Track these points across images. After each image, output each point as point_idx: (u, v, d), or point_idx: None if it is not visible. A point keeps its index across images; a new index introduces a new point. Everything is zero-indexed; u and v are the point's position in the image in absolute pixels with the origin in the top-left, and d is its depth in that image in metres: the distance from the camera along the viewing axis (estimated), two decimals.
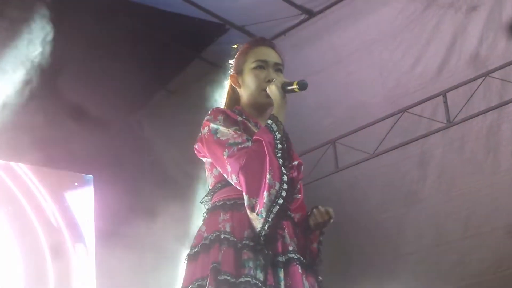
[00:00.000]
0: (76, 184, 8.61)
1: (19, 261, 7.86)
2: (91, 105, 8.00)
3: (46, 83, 7.66)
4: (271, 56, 3.29)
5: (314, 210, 3.16)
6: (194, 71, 8.64)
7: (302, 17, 8.36)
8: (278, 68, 3.28)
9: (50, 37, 7.38)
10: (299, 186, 3.28)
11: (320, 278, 3.15)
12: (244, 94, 3.27)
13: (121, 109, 8.79)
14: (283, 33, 8.51)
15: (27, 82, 7.59)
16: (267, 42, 3.37)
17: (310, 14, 8.30)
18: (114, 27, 7.76)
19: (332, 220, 3.15)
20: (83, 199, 8.56)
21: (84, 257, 8.32)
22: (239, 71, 3.29)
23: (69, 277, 8.16)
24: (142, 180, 8.72)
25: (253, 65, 3.24)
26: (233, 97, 3.34)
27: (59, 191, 8.40)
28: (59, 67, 7.75)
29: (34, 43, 7.42)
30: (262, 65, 3.24)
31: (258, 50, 3.30)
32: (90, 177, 8.68)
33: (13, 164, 8.11)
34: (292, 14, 8.30)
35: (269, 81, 3.18)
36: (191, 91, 8.59)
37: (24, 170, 8.18)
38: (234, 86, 3.31)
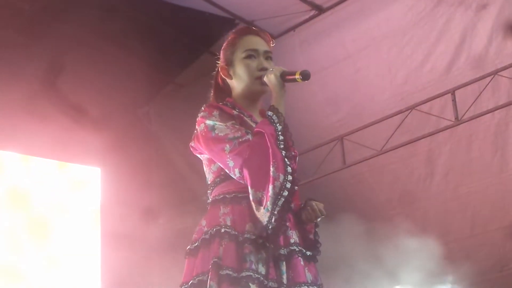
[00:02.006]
0: (83, 176, 8.62)
1: (23, 258, 7.87)
2: (100, 98, 8.02)
3: (56, 76, 7.68)
4: (260, 44, 3.22)
5: (308, 207, 3.11)
6: (203, 65, 8.63)
7: (312, 13, 8.35)
8: (268, 56, 3.21)
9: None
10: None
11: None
12: (237, 85, 3.21)
13: (129, 102, 8.81)
14: (293, 28, 8.51)
15: (36, 76, 7.62)
16: (254, 30, 3.30)
17: (320, 10, 8.29)
18: (123, 20, 7.76)
19: (323, 216, 3.10)
20: (90, 191, 8.57)
21: (89, 250, 8.33)
22: (229, 63, 3.23)
23: (74, 273, 8.16)
24: (150, 172, 8.73)
25: (244, 54, 3.18)
26: (224, 89, 3.29)
27: (65, 182, 8.41)
28: (68, 60, 7.77)
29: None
30: (252, 54, 3.18)
31: (247, 39, 3.23)
32: (97, 169, 8.70)
33: (20, 155, 8.13)
34: (301, 10, 8.29)
35: (262, 70, 3.13)
36: (200, 85, 8.51)
37: (32, 161, 8.20)
38: (225, 78, 3.25)
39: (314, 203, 3.11)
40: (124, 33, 7.75)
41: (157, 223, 8.36)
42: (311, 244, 3.10)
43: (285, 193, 2.86)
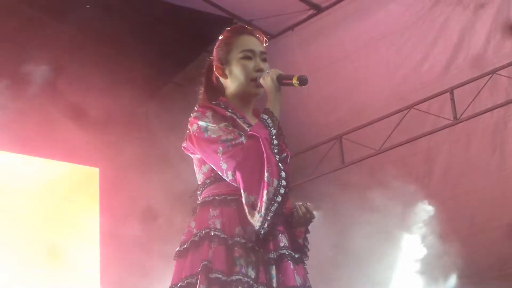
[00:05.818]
0: (81, 176, 8.61)
1: (22, 258, 7.84)
2: (98, 98, 8.00)
3: (54, 75, 7.67)
4: (256, 45, 3.20)
5: (294, 211, 3.09)
6: (201, 64, 8.58)
7: (310, 12, 8.36)
8: (264, 57, 3.19)
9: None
10: None
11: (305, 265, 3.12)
12: (232, 84, 3.20)
13: (128, 102, 8.78)
14: (291, 28, 8.52)
15: (34, 76, 7.61)
16: (248, 30, 3.28)
17: (318, 9, 8.30)
18: (121, 20, 7.77)
19: (313, 220, 3.09)
20: (89, 191, 8.56)
21: (88, 251, 8.32)
22: (224, 62, 3.21)
23: (73, 273, 8.14)
24: (148, 172, 8.72)
25: (241, 55, 3.17)
26: (217, 88, 3.28)
27: (64, 183, 8.39)
28: (66, 61, 7.76)
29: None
30: (249, 55, 3.16)
31: (243, 39, 3.22)
32: (96, 169, 8.69)
33: (20, 156, 8.11)
34: (300, 9, 8.30)
35: (259, 71, 3.12)
36: (198, 85, 8.60)
37: (31, 161, 8.18)
38: (220, 77, 3.23)
39: (305, 205, 3.10)
40: (122, 33, 7.75)
41: (156, 223, 8.35)
42: (299, 248, 3.10)
43: (279, 198, 2.84)
